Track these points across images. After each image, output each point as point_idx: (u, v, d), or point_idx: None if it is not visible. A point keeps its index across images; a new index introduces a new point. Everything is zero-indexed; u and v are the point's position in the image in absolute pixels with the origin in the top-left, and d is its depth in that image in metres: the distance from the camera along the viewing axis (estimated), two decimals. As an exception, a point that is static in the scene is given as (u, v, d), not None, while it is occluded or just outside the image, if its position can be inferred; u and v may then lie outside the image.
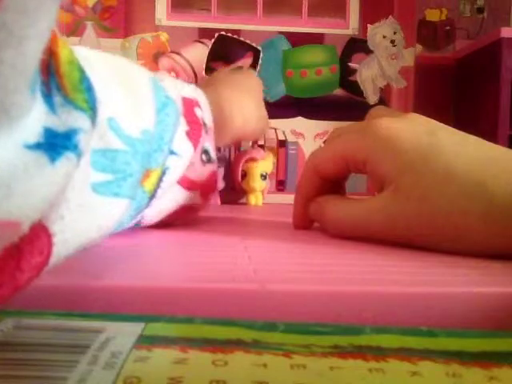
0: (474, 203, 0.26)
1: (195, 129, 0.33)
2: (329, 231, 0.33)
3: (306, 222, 0.36)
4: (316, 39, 0.71)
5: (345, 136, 0.32)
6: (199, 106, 0.35)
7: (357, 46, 0.70)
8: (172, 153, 0.31)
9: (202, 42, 0.67)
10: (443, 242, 0.27)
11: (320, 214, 0.34)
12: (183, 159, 0.32)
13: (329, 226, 0.33)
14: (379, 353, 0.13)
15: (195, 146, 0.33)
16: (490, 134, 0.73)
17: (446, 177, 0.27)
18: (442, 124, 0.30)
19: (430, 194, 0.27)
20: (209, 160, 0.36)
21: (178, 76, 0.66)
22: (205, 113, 0.36)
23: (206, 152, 0.35)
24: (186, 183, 0.34)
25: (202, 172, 0.35)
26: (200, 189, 0.35)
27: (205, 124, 0.35)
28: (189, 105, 0.34)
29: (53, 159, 0.15)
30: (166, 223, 0.35)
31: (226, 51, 0.66)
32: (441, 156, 0.28)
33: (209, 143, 0.36)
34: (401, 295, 0.20)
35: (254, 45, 0.66)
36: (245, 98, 0.47)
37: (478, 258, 0.26)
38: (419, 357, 0.13)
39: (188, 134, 0.32)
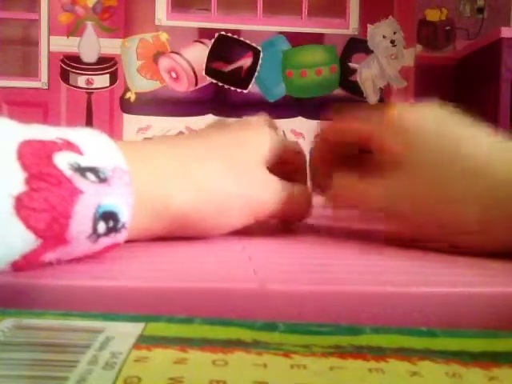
0: (476, 182, 0.26)
1: (44, 188, 0.20)
2: (330, 204, 0.33)
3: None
4: (316, 39, 0.71)
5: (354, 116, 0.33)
6: (74, 150, 0.22)
7: (357, 45, 0.70)
8: None
9: (202, 42, 0.67)
10: (439, 225, 0.28)
11: (324, 184, 0.33)
12: None
13: (331, 197, 0.33)
14: (379, 353, 0.13)
15: (42, 228, 0.20)
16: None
17: (451, 157, 0.27)
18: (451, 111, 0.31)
19: (431, 171, 0.28)
20: (111, 229, 0.22)
21: (177, 76, 0.65)
22: (99, 155, 0.23)
23: (106, 215, 0.22)
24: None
25: (81, 252, 0.22)
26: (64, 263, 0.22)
27: (95, 170, 0.22)
28: (37, 150, 0.21)
29: None
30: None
31: (226, 51, 0.67)
32: (446, 135, 0.28)
33: (117, 197, 0.22)
34: (401, 295, 0.20)
35: (254, 45, 0.66)
36: (208, 163, 0.29)
37: (478, 258, 0.26)
38: (419, 357, 0.13)
39: (19, 204, 0.19)
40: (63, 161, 0.21)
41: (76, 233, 0.21)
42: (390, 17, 0.72)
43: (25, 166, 0.20)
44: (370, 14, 0.72)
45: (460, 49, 1.53)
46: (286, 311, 0.19)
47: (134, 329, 0.14)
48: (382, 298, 0.20)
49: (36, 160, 0.20)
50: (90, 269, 0.22)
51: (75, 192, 0.21)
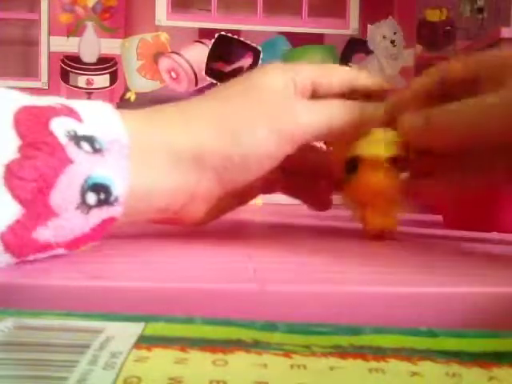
0: None
1: (36, 156, 0.20)
2: (437, 141, 0.28)
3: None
4: (316, 39, 0.71)
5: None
6: (73, 116, 0.22)
7: (357, 46, 0.70)
8: None
9: (202, 42, 0.67)
10: None
11: (424, 122, 0.28)
12: None
13: (437, 135, 0.28)
14: (379, 353, 0.13)
15: (29, 195, 0.20)
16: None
17: None
18: None
19: None
20: (103, 201, 0.22)
21: (177, 76, 0.65)
22: (99, 124, 0.22)
23: (96, 187, 0.21)
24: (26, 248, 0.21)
25: (77, 226, 0.22)
26: (66, 247, 0.22)
27: (92, 140, 0.22)
28: (34, 116, 0.21)
29: None
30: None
31: (226, 51, 0.67)
32: None
33: (111, 170, 0.22)
34: (401, 295, 0.20)
35: (254, 45, 0.66)
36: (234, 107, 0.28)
37: (478, 258, 0.26)
38: (419, 357, 0.13)
39: (9, 173, 0.19)
40: (60, 127, 0.21)
41: (60, 201, 0.21)
42: (390, 17, 0.72)
43: (20, 134, 0.20)
44: (370, 14, 0.72)
45: (460, 49, 1.53)
46: (285, 311, 0.19)
47: (134, 329, 0.14)
48: (382, 298, 0.20)
49: (32, 126, 0.20)
50: (90, 269, 0.22)
51: (65, 162, 0.21)
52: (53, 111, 0.21)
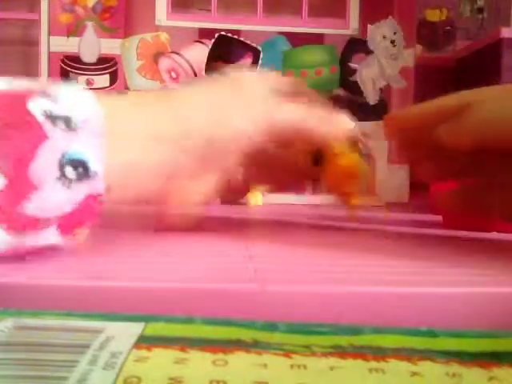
0: None
1: (14, 134, 0.21)
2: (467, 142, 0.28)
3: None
4: (316, 39, 0.71)
5: None
6: (50, 98, 0.23)
7: (357, 46, 0.70)
8: None
9: (202, 42, 0.67)
10: None
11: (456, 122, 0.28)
12: None
13: (469, 136, 0.28)
14: (379, 353, 0.13)
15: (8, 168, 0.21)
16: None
17: None
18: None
19: None
20: (83, 175, 0.22)
21: (177, 76, 0.65)
22: (74, 105, 0.23)
23: (74, 162, 0.22)
24: (17, 225, 0.21)
25: (61, 201, 0.22)
26: (58, 226, 0.23)
27: (67, 119, 0.22)
28: (11, 101, 0.22)
29: None
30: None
31: (226, 51, 0.67)
32: None
33: (86, 147, 0.22)
34: (401, 295, 0.20)
35: (254, 45, 0.66)
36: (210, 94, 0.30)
37: (478, 258, 0.26)
38: (419, 357, 0.13)
39: None
40: (37, 107, 0.22)
41: (39, 174, 0.21)
42: (390, 17, 0.72)
43: None
44: (370, 14, 0.72)
45: (460, 49, 1.53)
46: (285, 311, 0.19)
47: (134, 329, 0.14)
48: (382, 298, 0.20)
49: (10, 109, 0.22)
50: (90, 269, 0.22)
51: (42, 137, 0.22)
52: (29, 93, 0.22)
